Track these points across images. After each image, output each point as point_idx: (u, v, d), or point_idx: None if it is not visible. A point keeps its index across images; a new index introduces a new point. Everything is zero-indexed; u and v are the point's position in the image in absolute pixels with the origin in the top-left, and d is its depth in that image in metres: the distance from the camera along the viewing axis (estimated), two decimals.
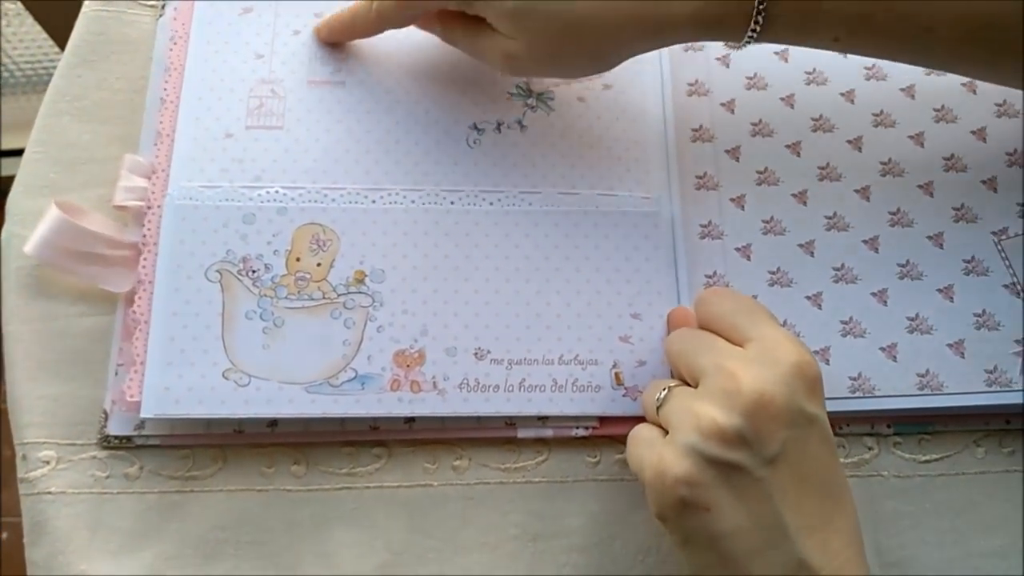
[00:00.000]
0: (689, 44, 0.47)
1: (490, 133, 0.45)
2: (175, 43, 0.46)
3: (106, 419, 0.40)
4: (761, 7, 0.35)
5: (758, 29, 0.35)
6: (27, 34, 1.06)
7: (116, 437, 0.40)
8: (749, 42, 0.36)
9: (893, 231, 0.43)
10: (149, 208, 0.43)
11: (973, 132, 0.44)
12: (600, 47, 0.37)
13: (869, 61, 0.46)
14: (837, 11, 0.35)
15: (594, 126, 0.45)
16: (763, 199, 0.44)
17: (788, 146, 0.45)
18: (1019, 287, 0.41)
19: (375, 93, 0.46)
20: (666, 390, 0.34)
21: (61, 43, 0.96)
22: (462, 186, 0.44)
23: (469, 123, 0.45)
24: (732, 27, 0.36)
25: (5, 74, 1.12)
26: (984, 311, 0.41)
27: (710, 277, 0.43)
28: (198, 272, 0.41)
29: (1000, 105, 0.45)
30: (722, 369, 0.32)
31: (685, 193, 0.44)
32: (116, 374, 0.41)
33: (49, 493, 0.39)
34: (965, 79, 0.46)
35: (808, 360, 0.32)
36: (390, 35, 0.46)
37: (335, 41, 0.46)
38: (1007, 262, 0.42)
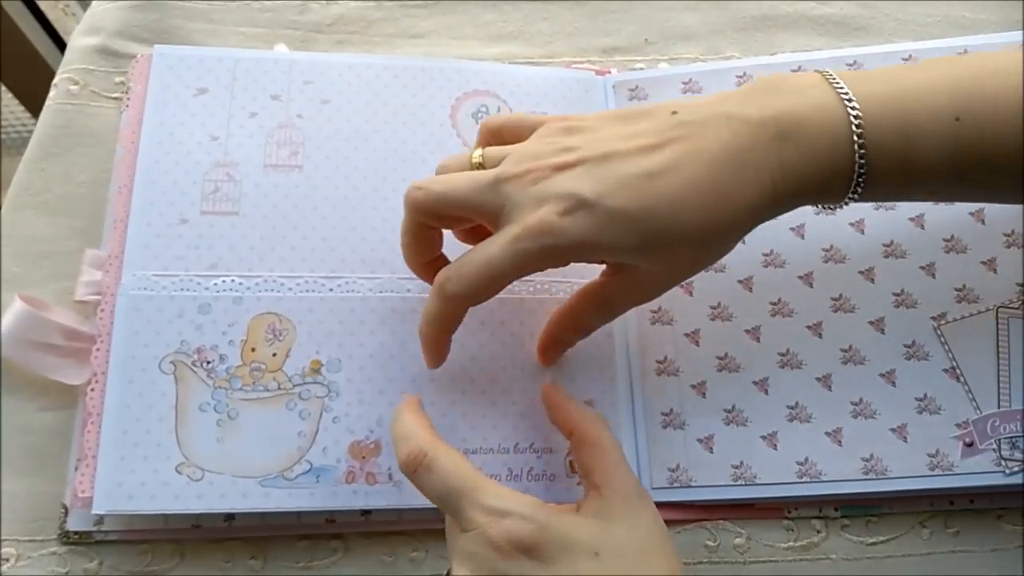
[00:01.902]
0: None
1: None
2: (130, 126, 0.47)
3: (66, 514, 0.40)
4: (860, 178, 0.35)
5: (859, 192, 0.36)
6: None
7: (75, 533, 0.40)
8: (848, 203, 0.37)
9: (836, 317, 0.44)
10: (102, 297, 0.43)
11: (912, 219, 0.46)
12: (726, 242, 0.37)
13: None
14: (933, 173, 0.36)
15: None
16: (711, 283, 0.45)
17: None
18: (958, 371, 0.42)
19: (332, 178, 0.46)
20: None
21: (33, 111, 0.97)
22: None
23: None
24: (835, 193, 0.36)
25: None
26: (925, 395, 0.42)
27: (660, 362, 0.44)
28: (152, 364, 0.41)
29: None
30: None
31: None
32: (76, 468, 0.40)
33: None
34: None
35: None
36: (347, 120, 0.47)
37: (442, 349, 0.40)
38: (946, 346, 0.43)
